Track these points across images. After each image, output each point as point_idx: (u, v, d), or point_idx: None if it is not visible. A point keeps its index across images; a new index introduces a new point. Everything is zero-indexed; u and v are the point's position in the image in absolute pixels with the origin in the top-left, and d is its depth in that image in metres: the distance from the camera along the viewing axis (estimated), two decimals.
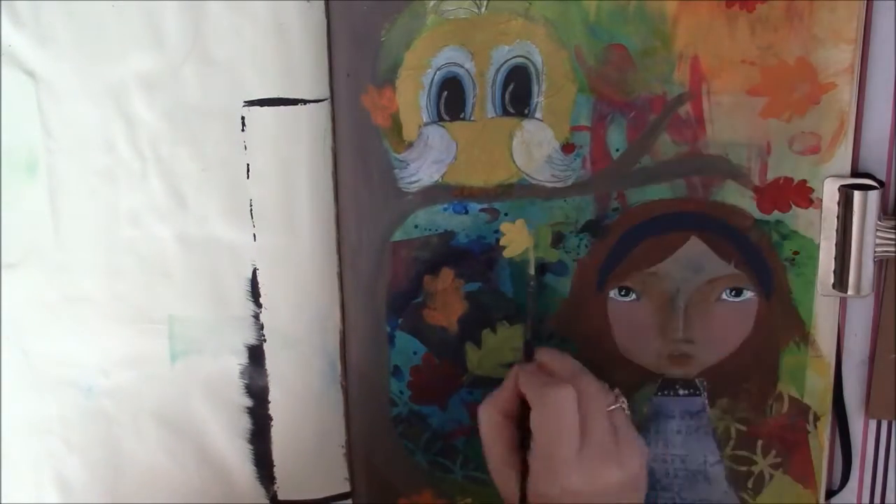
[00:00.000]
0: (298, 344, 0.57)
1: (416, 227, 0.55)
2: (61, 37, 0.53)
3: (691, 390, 0.56)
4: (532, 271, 0.54)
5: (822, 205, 0.53)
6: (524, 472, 0.49)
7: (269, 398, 0.58)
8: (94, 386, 0.58)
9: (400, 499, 0.59)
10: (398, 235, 0.55)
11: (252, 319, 0.57)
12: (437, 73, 0.53)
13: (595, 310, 0.55)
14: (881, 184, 0.52)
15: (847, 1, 0.50)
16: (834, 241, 0.53)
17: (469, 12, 0.52)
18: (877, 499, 0.58)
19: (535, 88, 0.53)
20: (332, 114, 0.54)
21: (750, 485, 0.57)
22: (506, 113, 0.53)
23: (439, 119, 0.53)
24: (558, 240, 0.54)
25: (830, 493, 0.58)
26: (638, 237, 0.54)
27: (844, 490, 0.57)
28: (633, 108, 0.52)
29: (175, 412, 0.58)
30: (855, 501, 0.58)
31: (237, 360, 0.58)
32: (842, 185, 0.52)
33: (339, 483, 0.60)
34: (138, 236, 0.56)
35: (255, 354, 0.58)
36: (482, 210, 0.54)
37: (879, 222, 0.52)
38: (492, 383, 0.56)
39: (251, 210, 0.56)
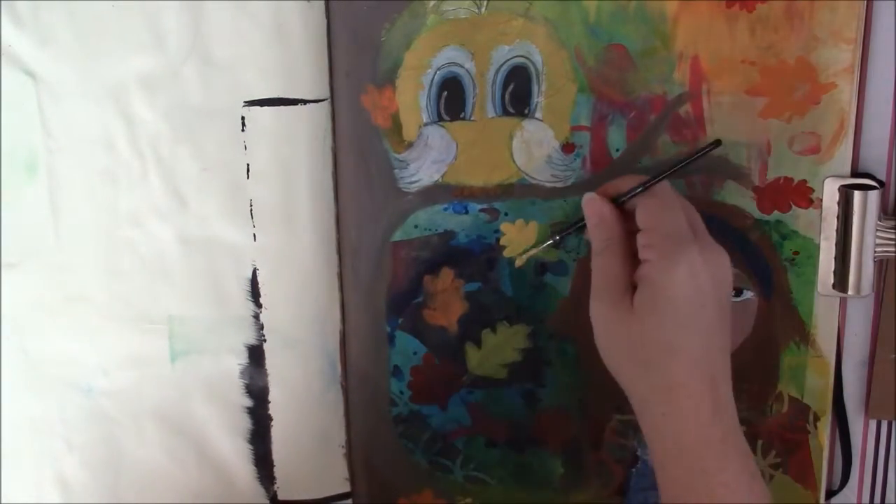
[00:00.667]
0: (298, 344, 0.57)
1: (416, 227, 0.55)
2: (61, 37, 0.53)
3: None
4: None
5: (822, 205, 0.53)
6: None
7: (269, 398, 0.58)
8: (94, 386, 0.58)
9: (400, 499, 0.59)
10: (398, 235, 0.55)
11: (252, 319, 0.57)
12: (437, 73, 0.53)
13: None
14: (881, 184, 0.52)
15: (847, 1, 0.50)
16: (834, 241, 0.53)
17: (469, 12, 0.52)
18: (877, 499, 0.58)
19: (535, 88, 0.53)
20: (332, 114, 0.54)
21: None
22: (506, 113, 0.53)
23: (439, 119, 0.53)
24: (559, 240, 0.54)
25: (830, 493, 0.58)
26: None
27: (844, 490, 0.57)
28: (633, 108, 0.52)
29: (175, 412, 0.58)
30: (855, 501, 0.58)
31: (237, 360, 0.58)
32: (842, 185, 0.52)
33: (339, 483, 0.60)
34: (138, 236, 0.56)
35: (255, 354, 0.58)
36: (482, 210, 0.54)
37: (879, 222, 0.52)
38: (492, 383, 0.56)
39: (251, 210, 0.56)
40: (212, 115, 0.54)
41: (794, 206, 0.53)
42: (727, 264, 0.46)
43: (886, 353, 0.55)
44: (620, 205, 0.49)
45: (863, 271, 0.53)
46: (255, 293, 0.57)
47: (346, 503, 0.60)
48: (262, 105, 0.54)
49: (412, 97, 0.53)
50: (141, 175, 0.55)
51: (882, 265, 0.54)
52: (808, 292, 0.54)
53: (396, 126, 0.53)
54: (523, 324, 0.56)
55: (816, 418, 0.56)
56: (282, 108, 0.54)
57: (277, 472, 0.59)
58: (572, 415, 0.57)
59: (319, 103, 0.54)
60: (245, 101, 0.54)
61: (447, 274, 0.55)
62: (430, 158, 0.54)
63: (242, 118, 0.54)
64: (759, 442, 0.56)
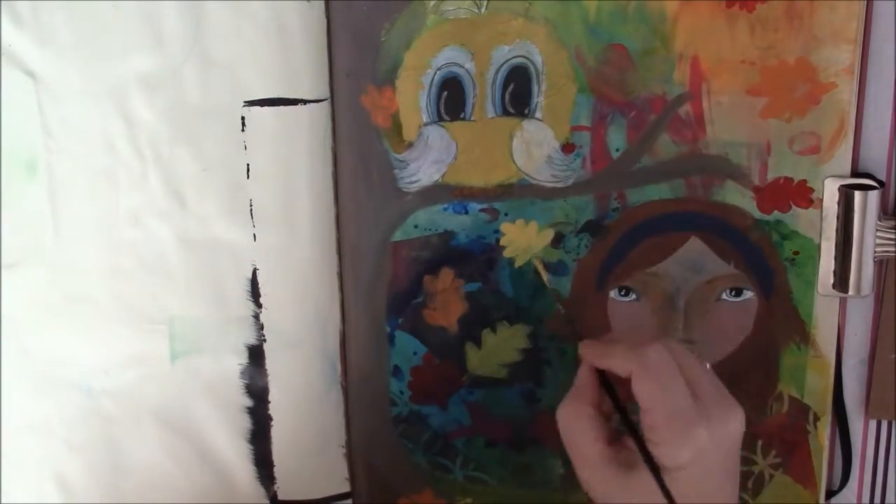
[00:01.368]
0: (298, 344, 0.57)
1: (416, 227, 0.55)
2: (61, 37, 0.53)
3: None
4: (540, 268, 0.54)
5: (822, 205, 0.53)
6: (649, 460, 0.45)
7: (269, 398, 0.58)
8: (94, 386, 0.58)
9: (400, 499, 0.59)
10: (398, 235, 0.55)
11: (252, 319, 0.57)
12: (437, 73, 0.53)
13: (595, 310, 0.55)
14: (881, 184, 0.52)
15: (847, 1, 0.50)
16: (834, 241, 0.53)
17: (469, 12, 0.52)
18: (877, 499, 0.58)
19: (535, 88, 0.53)
20: (332, 114, 0.54)
21: (750, 485, 0.57)
22: (506, 113, 0.53)
23: (439, 119, 0.53)
24: (558, 240, 0.54)
25: (830, 493, 0.58)
26: (638, 237, 0.54)
27: (844, 490, 0.58)
28: (633, 108, 0.52)
29: (175, 412, 0.58)
30: (855, 501, 0.58)
31: (237, 360, 0.58)
32: (842, 185, 0.52)
33: (339, 483, 0.60)
34: (138, 236, 0.56)
35: (255, 354, 0.58)
36: (482, 210, 0.54)
37: (879, 222, 0.52)
38: (492, 383, 0.56)
39: (251, 210, 0.56)
40: (212, 115, 0.54)
41: (794, 206, 0.53)
42: (738, 421, 0.45)
43: (886, 353, 0.55)
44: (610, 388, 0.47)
45: (863, 271, 0.53)
46: (255, 293, 0.57)
47: (346, 503, 0.60)
48: (262, 105, 0.54)
49: (412, 97, 0.53)
50: (141, 175, 0.55)
51: (882, 265, 0.54)
52: (808, 292, 0.54)
53: (396, 126, 0.53)
54: (523, 324, 0.56)
55: (816, 418, 0.56)
56: (282, 108, 0.54)
57: (277, 472, 0.59)
58: None
59: (319, 103, 0.54)
60: (245, 101, 0.54)
61: (447, 274, 0.55)
62: (430, 158, 0.54)
63: (242, 118, 0.54)
64: (759, 442, 0.56)
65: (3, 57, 0.53)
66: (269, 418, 0.58)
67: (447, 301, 0.56)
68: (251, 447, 0.59)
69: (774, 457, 0.57)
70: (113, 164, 0.55)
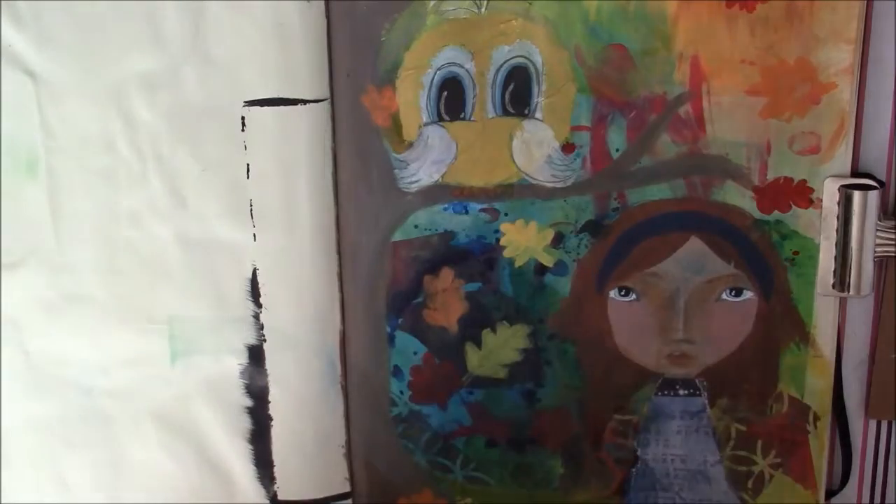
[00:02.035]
0: (298, 344, 0.57)
1: (416, 227, 0.55)
2: (61, 37, 0.53)
3: (691, 390, 0.56)
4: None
5: (822, 205, 0.53)
6: None
7: (269, 398, 0.58)
8: (94, 386, 0.58)
9: (400, 499, 0.59)
10: (398, 235, 0.55)
11: (252, 319, 0.57)
12: (437, 73, 0.53)
13: (595, 310, 0.55)
14: (881, 184, 0.52)
15: (847, 1, 0.50)
16: (834, 241, 0.53)
17: (469, 12, 0.52)
18: (877, 499, 0.58)
19: (535, 88, 0.53)
20: (332, 114, 0.54)
21: (750, 485, 0.57)
22: (506, 113, 0.53)
23: (439, 119, 0.53)
24: (558, 240, 0.54)
25: (830, 493, 0.58)
26: (638, 237, 0.54)
27: (844, 490, 0.57)
28: (633, 108, 0.52)
29: (175, 412, 0.58)
30: (855, 501, 0.58)
31: (237, 360, 0.58)
32: (842, 185, 0.52)
33: (339, 483, 0.60)
34: (138, 236, 0.56)
35: (255, 354, 0.58)
36: (482, 210, 0.54)
37: (879, 222, 0.52)
38: (492, 383, 0.56)
39: (251, 210, 0.56)
40: (212, 114, 0.54)
41: (794, 206, 0.53)
42: None
43: (886, 353, 0.55)
44: None
45: (863, 271, 0.53)
46: (255, 293, 0.57)
47: (346, 503, 0.60)
48: (262, 105, 0.54)
49: (412, 97, 0.53)
50: (141, 175, 0.55)
51: (882, 265, 0.54)
52: (808, 292, 0.54)
53: (396, 126, 0.53)
54: (523, 324, 0.56)
55: (816, 418, 0.56)
56: (282, 108, 0.54)
57: (277, 472, 0.59)
58: (572, 415, 0.57)
59: (319, 103, 0.54)
60: (245, 101, 0.54)
61: (447, 274, 0.55)
62: (430, 158, 0.54)
63: (242, 118, 0.54)
64: (759, 442, 0.56)
65: (3, 57, 0.53)
66: (269, 418, 0.58)
67: (447, 301, 0.56)
68: (251, 447, 0.59)
69: (774, 457, 0.57)
70: (113, 164, 0.55)
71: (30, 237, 0.56)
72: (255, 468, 0.59)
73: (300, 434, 0.59)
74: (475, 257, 0.55)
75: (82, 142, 0.55)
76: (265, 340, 0.57)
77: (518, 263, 0.55)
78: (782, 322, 0.54)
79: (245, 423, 0.59)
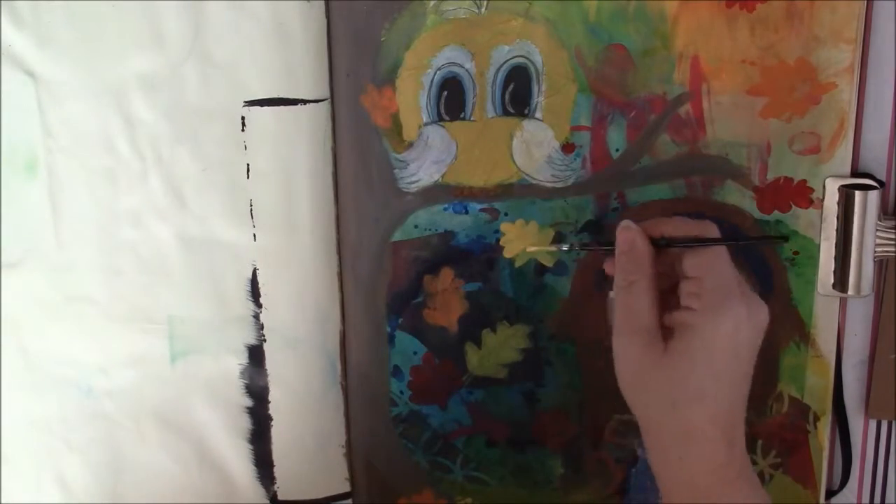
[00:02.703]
0: (298, 344, 0.57)
1: (416, 227, 0.55)
2: (61, 37, 0.53)
3: None
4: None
5: (822, 205, 0.53)
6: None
7: (269, 398, 0.58)
8: (94, 386, 0.58)
9: (400, 499, 0.59)
10: (398, 235, 0.55)
11: (252, 319, 0.57)
12: (437, 73, 0.53)
13: (595, 310, 0.55)
14: (881, 184, 0.52)
15: (847, 1, 0.50)
16: (834, 241, 0.53)
17: (469, 12, 0.52)
18: (877, 499, 0.58)
19: (535, 88, 0.53)
20: (332, 114, 0.54)
21: None
22: (506, 113, 0.53)
23: (439, 119, 0.53)
24: (558, 240, 0.54)
25: (830, 493, 0.58)
26: None
27: (844, 490, 0.57)
28: (633, 108, 0.52)
29: (175, 412, 0.58)
30: (855, 501, 0.58)
31: (237, 360, 0.58)
32: (842, 185, 0.52)
33: (339, 483, 0.60)
34: (138, 236, 0.56)
35: (255, 354, 0.58)
36: (482, 210, 0.54)
37: (879, 222, 0.52)
38: (492, 383, 0.56)
39: (251, 210, 0.56)
40: (212, 115, 0.54)
41: (794, 206, 0.53)
42: (766, 318, 0.46)
43: (886, 353, 0.55)
44: (663, 246, 0.48)
45: (863, 271, 0.53)
46: (255, 293, 0.57)
47: (346, 503, 0.60)
48: (262, 105, 0.54)
49: (412, 97, 0.53)
50: (141, 175, 0.55)
51: (882, 265, 0.54)
52: (808, 292, 0.54)
53: (396, 126, 0.53)
54: (523, 324, 0.56)
55: (816, 418, 0.56)
56: (282, 108, 0.54)
57: (277, 472, 0.59)
58: (572, 415, 0.57)
59: (319, 103, 0.54)
60: (245, 101, 0.54)
61: (447, 274, 0.55)
62: (430, 158, 0.54)
63: (242, 118, 0.54)
64: (759, 442, 0.56)
65: (3, 57, 0.53)
66: (269, 418, 0.58)
67: (447, 301, 0.56)
68: (251, 447, 0.59)
69: (774, 457, 0.57)
70: (113, 164, 0.55)
71: (30, 237, 0.56)
72: (255, 468, 0.59)
73: (300, 434, 0.59)
74: (475, 257, 0.55)
75: (82, 142, 0.55)
76: (265, 340, 0.57)
77: (518, 263, 0.55)
78: (782, 322, 0.54)
79: (245, 423, 0.59)
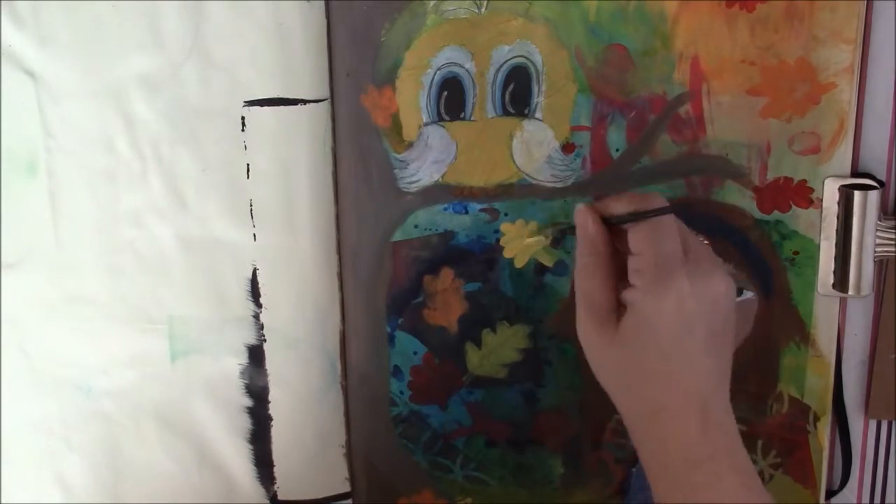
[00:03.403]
0: (298, 344, 0.57)
1: (416, 227, 0.55)
2: (61, 37, 0.53)
3: None
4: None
5: (822, 205, 0.53)
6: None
7: (269, 398, 0.58)
8: (94, 386, 0.58)
9: (400, 499, 0.59)
10: (398, 235, 0.55)
11: (252, 319, 0.57)
12: (437, 73, 0.53)
13: None
14: (881, 184, 0.52)
15: (847, 1, 0.50)
16: (834, 241, 0.53)
17: (469, 12, 0.52)
18: (877, 499, 0.58)
19: (535, 88, 0.53)
20: (332, 114, 0.54)
21: None
22: (506, 113, 0.53)
23: (439, 119, 0.53)
24: (558, 240, 0.54)
25: (830, 493, 0.58)
26: None
27: (844, 490, 0.58)
28: (633, 108, 0.52)
29: (175, 412, 0.58)
30: (855, 501, 0.58)
31: (237, 360, 0.58)
32: (842, 185, 0.52)
33: (339, 483, 0.60)
34: (138, 236, 0.56)
35: (255, 354, 0.58)
36: (482, 210, 0.54)
37: (879, 222, 0.52)
38: (492, 383, 0.56)
39: (251, 210, 0.56)
40: (212, 115, 0.54)
41: (794, 206, 0.53)
42: (723, 287, 0.45)
43: (886, 353, 0.55)
44: (613, 225, 0.47)
45: (863, 271, 0.53)
46: (255, 293, 0.57)
47: (346, 503, 0.60)
48: (262, 105, 0.54)
49: (412, 97, 0.53)
50: (141, 175, 0.55)
51: (882, 265, 0.54)
52: (808, 292, 0.54)
53: (396, 126, 0.53)
54: (523, 324, 0.56)
55: (816, 418, 0.56)
56: (282, 108, 0.54)
57: (277, 472, 0.59)
58: (572, 415, 0.57)
59: (319, 103, 0.54)
60: (245, 101, 0.54)
61: (447, 274, 0.55)
62: (430, 158, 0.54)
63: (242, 118, 0.54)
64: (759, 442, 0.56)
65: (3, 57, 0.53)
66: (269, 418, 0.58)
67: (447, 301, 0.56)
68: (251, 447, 0.59)
69: (774, 457, 0.57)
70: (113, 164, 0.55)
71: (30, 237, 0.56)
72: (255, 468, 0.59)
73: (300, 434, 0.59)
74: (475, 257, 0.55)
75: (82, 142, 0.55)
76: (265, 340, 0.57)
77: (518, 263, 0.55)
78: (782, 322, 0.54)
79: (245, 423, 0.59)
